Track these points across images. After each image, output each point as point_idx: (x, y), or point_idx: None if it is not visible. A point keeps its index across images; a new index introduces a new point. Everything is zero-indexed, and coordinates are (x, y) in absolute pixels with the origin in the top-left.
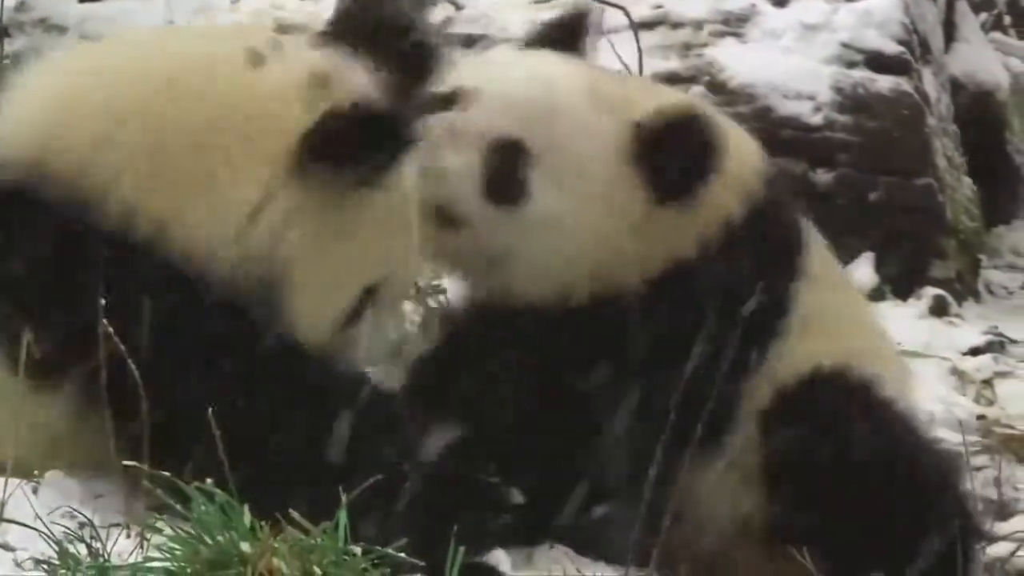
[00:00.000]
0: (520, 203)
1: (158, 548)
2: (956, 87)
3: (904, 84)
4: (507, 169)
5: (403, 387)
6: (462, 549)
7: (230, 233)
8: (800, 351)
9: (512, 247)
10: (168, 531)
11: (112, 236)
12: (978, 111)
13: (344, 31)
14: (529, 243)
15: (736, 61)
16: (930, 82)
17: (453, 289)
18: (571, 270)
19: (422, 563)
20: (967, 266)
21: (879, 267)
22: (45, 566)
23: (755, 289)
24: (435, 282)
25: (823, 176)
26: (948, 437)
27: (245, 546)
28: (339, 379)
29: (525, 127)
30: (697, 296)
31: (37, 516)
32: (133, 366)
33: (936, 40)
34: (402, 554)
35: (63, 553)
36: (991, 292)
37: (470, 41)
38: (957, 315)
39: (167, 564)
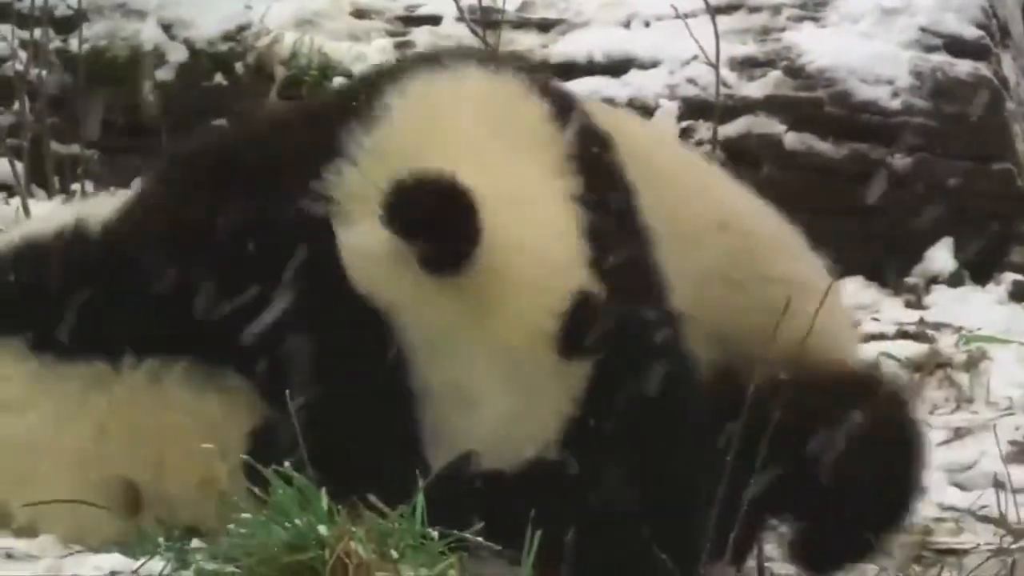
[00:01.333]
0: None
1: (238, 532)
2: None
3: (983, 69)
4: None
5: None
6: (539, 534)
7: None
8: None
9: None
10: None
11: None
12: None
13: None
14: None
15: (814, 45)
16: (1009, 66)
17: None
18: None
19: (498, 547)
20: None
21: (957, 252)
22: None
23: None
24: None
25: (901, 161)
26: None
27: (323, 529)
28: None
29: None
30: None
31: None
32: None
33: (1015, 25)
34: (479, 538)
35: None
36: None
37: (546, 26)
38: None
39: (245, 547)
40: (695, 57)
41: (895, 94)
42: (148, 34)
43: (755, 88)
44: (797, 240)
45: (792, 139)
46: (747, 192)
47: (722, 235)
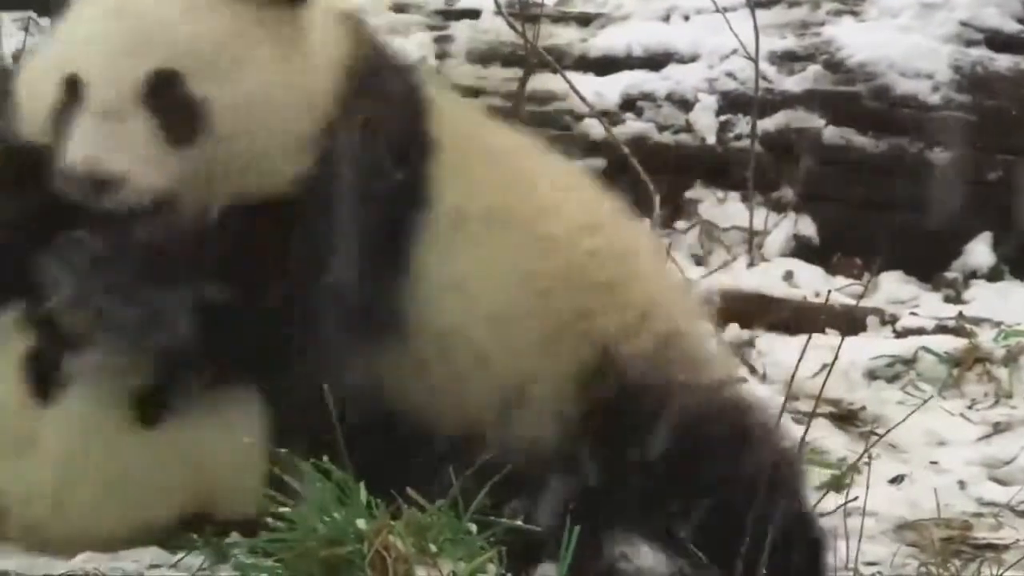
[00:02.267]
0: None
1: (276, 526)
2: None
3: (1023, 63)
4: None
5: None
6: (577, 529)
7: None
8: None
9: None
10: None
11: None
12: None
13: None
14: None
15: (854, 39)
16: None
17: None
18: None
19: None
20: None
21: (996, 247)
22: None
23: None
24: None
25: (940, 155)
26: None
27: (361, 523)
28: None
29: None
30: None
31: None
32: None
33: None
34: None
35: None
36: None
37: (585, 20)
38: None
39: (284, 541)
40: (734, 51)
41: (935, 88)
42: None
43: (794, 82)
44: (655, 245)
45: (831, 133)
46: (612, 199)
47: (588, 238)
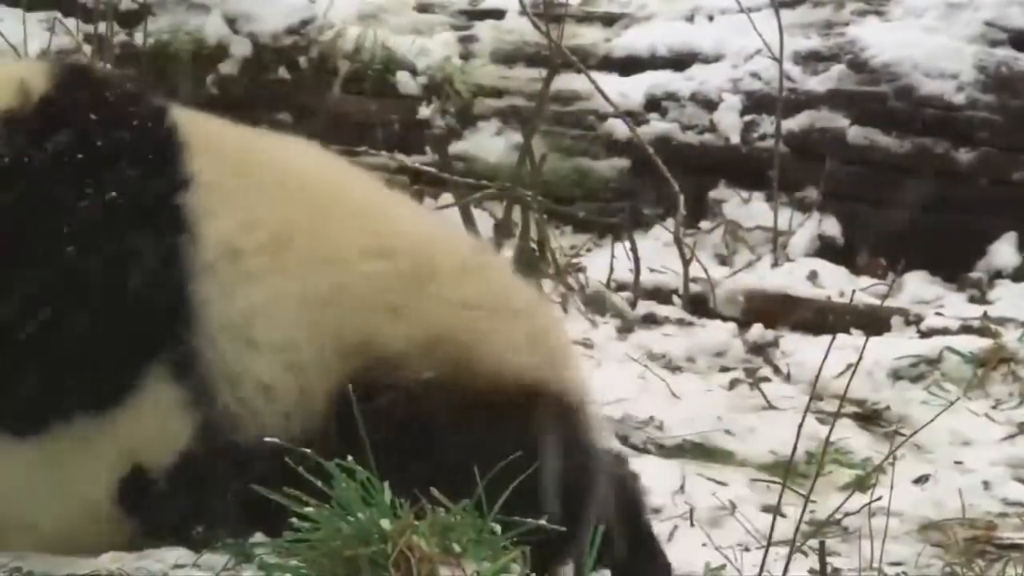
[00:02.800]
0: None
1: (300, 525)
2: None
3: None
4: None
5: None
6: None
7: None
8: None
9: None
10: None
11: None
12: None
13: None
14: None
15: (878, 39)
16: None
17: None
18: None
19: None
20: None
21: (1021, 247)
22: None
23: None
24: None
25: (965, 155)
26: None
27: (386, 523)
28: None
29: None
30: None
31: None
32: None
33: None
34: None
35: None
36: None
37: (610, 20)
38: None
39: (308, 540)
40: (759, 51)
41: (959, 88)
42: (212, 28)
43: (818, 82)
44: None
45: (856, 133)
46: (427, 218)
47: (380, 261)
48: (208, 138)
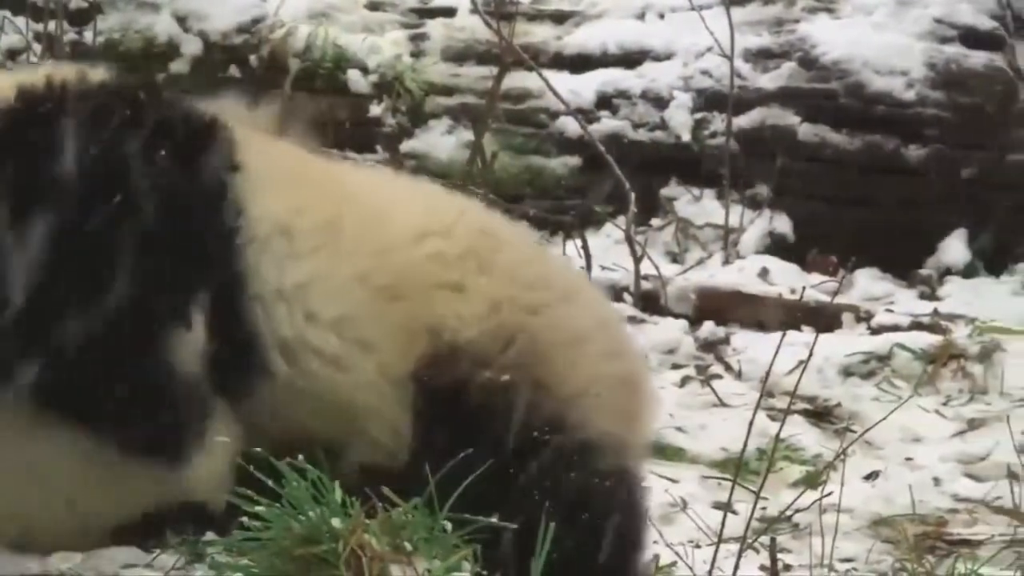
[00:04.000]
0: None
1: (252, 524)
2: None
3: (998, 60)
4: None
5: None
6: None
7: None
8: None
9: None
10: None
11: None
12: None
13: None
14: None
15: (828, 37)
16: None
17: None
18: None
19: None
20: None
21: (971, 243)
22: None
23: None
24: None
25: (915, 152)
26: None
27: (336, 522)
28: None
29: None
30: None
31: None
32: None
33: None
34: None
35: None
36: None
37: (561, 18)
38: None
39: (259, 540)
40: (709, 49)
41: (909, 85)
42: (162, 27)
43: (769, 80)
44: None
45: (806, 130)
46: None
47: (438, 240)
48: (251, 135)
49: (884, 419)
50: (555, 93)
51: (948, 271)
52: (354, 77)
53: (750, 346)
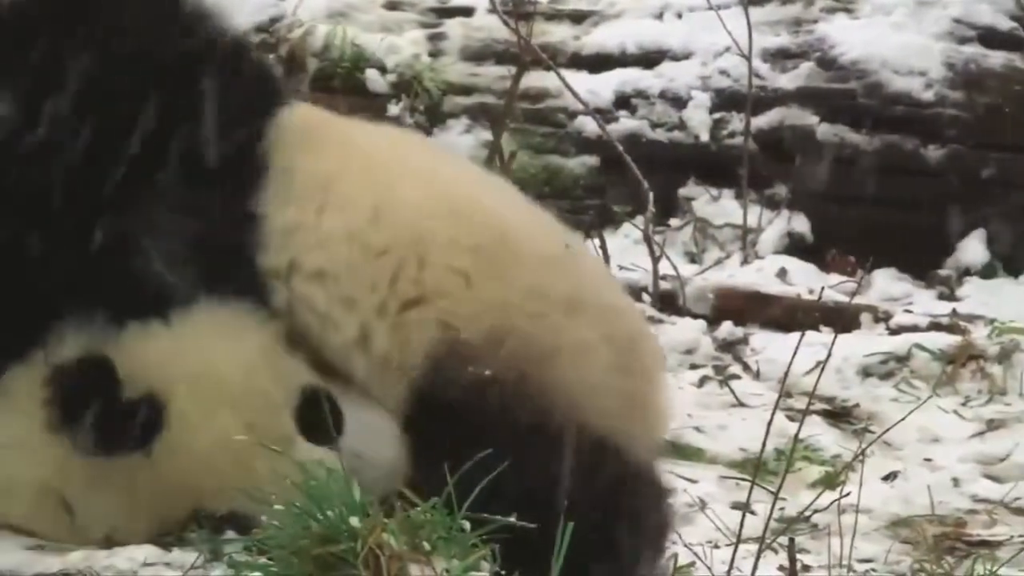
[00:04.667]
0: None
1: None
2: None
3: (1017, 60)
4: None
5: None
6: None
7: None
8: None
9: None
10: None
11: None
12: None
13: None
14: None
15: (847, 37)
16: None
17: None
18: None
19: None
20: None
21: (990, 244)
22: None
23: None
24: None
25: (934, 152)
26: None
27: (355, 521)
28: None
29: None
30: None
31: None
32: None
33: None
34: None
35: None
36: None
37: (579, 17)
38: None
39: (278, 539)
40: (728, 48)
41: (928, 85)
42: None
43: (788, 79)
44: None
45: (825, 130)
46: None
47: (454, 222)
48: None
49: (903, 420)
50: (573, 93)
51: (967, 271)
52: (372, 76)
53: (768, 346)
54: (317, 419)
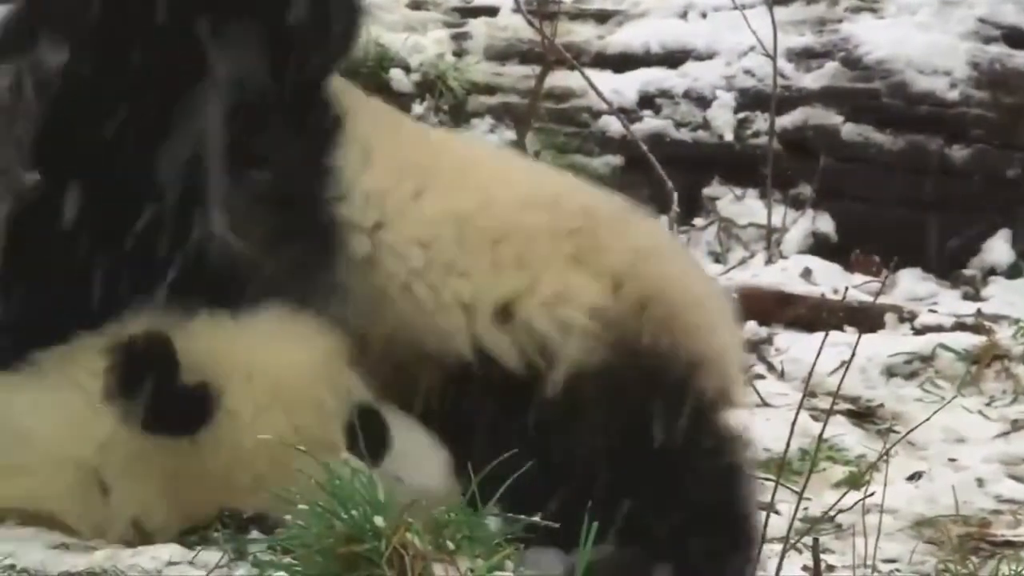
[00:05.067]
0: None
1: (294, 523)
2: None
3: None
4: None
5: None
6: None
7: None
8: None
9: None
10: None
11: None
12: None
13: None
14: None
15: (872, 36)
16: None
17: None
18: None
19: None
20: None
21: (1016, 244)
22: None
23: None
24: None
25: (959, 152)
26: None
27: (379, 520)
28: None
29: None
30: None
31: None
32: None
33: None
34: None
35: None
36: None
37: (603, 17)
38: None
39: (302, 538)
40: (752, 48)
41: (953, 85)
42: None
43: (812, 79)
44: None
45: (849, 130)
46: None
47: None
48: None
49: (927, 420)
50: (598, 92)
51: (992, 271)
52: (396, 76)
53: (793, 346)
54: (364, 437)
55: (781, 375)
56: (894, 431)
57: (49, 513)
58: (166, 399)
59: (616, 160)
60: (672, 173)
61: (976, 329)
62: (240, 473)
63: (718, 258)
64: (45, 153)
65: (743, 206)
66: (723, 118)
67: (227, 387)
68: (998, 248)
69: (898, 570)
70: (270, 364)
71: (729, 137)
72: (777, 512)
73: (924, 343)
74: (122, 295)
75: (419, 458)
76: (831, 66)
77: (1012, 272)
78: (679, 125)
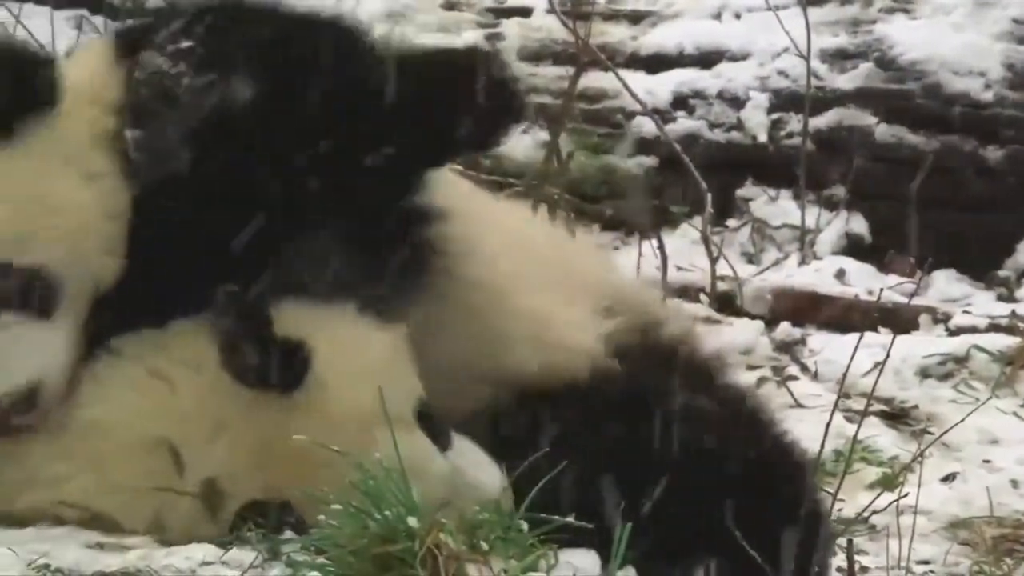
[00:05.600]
0: None
1: (328, 523)
2: None
3: None
4: None
5: None
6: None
7: None
8: None
9: None
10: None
11: None
12: None
13: None
14: None
15: (906, 37)
16: None
17: None
18: None
19: (591, 537)
20: None
21: None
22: None
23: None
24: None
25: (993, 153)
26: None
27: (413, 521)
28: None
29: None
30: None
31: None
32: None
33: None
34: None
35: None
36: None
37: (637, 18)
38: None
39: (335, 538)
40: (786, 49)
41: (987, 86)
42: None
43: (846, 80)
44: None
45: (883, 131)
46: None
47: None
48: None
49: (962, 421)
50: (631, 93)
51: None
52: None
53: (826, 347)
54: (432, 425)
55: (815, 376)
56: (928, 432)
57: (106, 510)
58: (267, 351)
59: (650, 161)
60: (706, 174)
61: (1010, 330)
62: (326, 441)
63: (751, 259)
64: (203, 141)
65: (777, 207)
66: (757, 119)
67: (317, 354)
68: None
69: (932, 572)
70: (358, 338)
71: (763, 138)
72: None
73: (958, 344)
74: (213, 290)
75: (477, 459)
76: (865, 67)
77: None
78: (713, 126)
